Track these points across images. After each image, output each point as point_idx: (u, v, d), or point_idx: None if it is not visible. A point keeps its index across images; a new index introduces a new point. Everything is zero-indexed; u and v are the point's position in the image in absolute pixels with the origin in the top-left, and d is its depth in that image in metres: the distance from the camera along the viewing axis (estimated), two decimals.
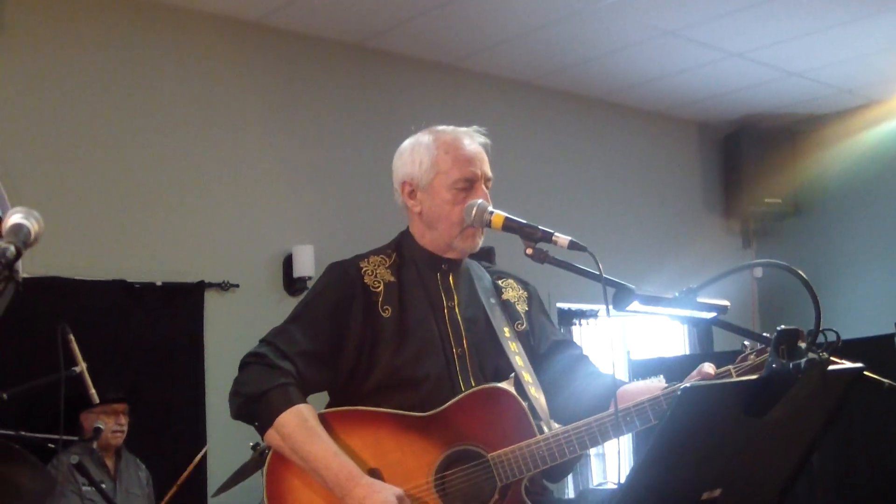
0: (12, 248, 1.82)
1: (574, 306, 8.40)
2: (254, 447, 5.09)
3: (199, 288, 6.59)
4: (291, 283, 6.96)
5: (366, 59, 7.68)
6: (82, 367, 4.90)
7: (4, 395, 3.90)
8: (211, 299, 6.63)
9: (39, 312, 5.44)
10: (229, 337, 6.39)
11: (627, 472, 2.00)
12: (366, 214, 7.08)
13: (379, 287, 2.88)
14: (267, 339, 2.85)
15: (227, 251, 6.78)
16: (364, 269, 2.92)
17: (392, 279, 2.91)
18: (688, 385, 1.97)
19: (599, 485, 8.05)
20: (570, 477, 7.94)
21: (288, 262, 7.00)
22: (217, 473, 5.85)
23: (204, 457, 5.86)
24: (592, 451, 8.26)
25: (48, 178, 6.07)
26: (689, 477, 2.10)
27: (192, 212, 6.67)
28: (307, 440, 2.68)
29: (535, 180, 8.33)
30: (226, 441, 6.03)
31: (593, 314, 8.52)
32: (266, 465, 2.80)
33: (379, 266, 2.94)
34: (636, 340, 9.03)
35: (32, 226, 1.91)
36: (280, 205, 7.10)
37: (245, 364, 2.83)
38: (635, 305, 2.46)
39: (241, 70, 7.06)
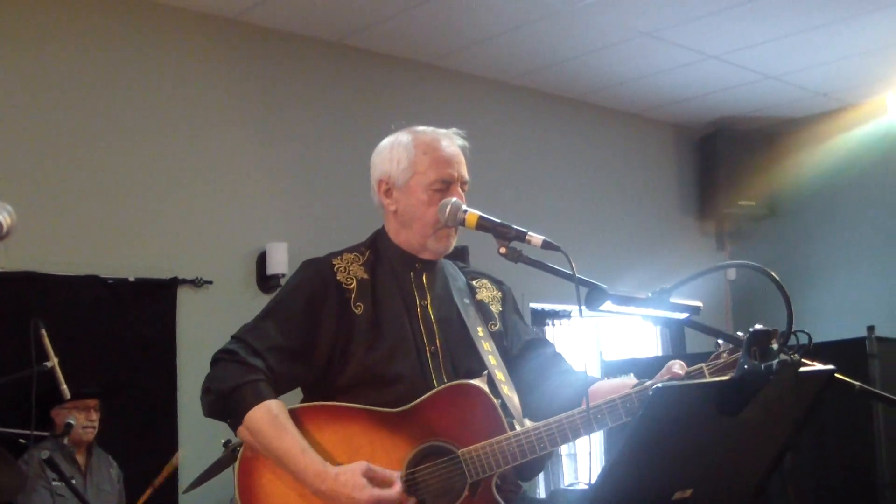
0: None
1: (547, 306, 8.41)
2: (225, 444, 5.07)
3: (173, 284, 6.56)
4: (265, 281, 6.94)
5: (344, 56, 7.67)
6: (54, 361, 4.88)
7: None
8: (184, 296, 6.61)
9: (12, 307, 5.42)
10: (202, 333, 6.37)
11: (599, 471, 2.00)
12: (341, 213, 7.07)
13: (352, 284, 2.88)
14: (238, 336, 2.85)
15: (200, 248, 6.75)
16: (337, 266, 2.92)
17: (365, 276, 2.92)
18: (660, 385, 1.97)
19: (571, 485, 8.06)
20: (541, 477, 7.97)
21: (262, 260, 6.98)
22: (189, 470, 5.83)
23: (177, 465, 5.84)
24: (564, 450, 8.29)
25: (22, 173, 6.04)
26: (662, 476, 2.11)
27: (166, 208, 6.64)
28: (276, 436, 2.69)
29: (509, 179, 8.34)
30: (198, 438, 6.01)
31: (566, 314, 8.54)
32: (238, 459, 2.80)
33: (352, 263, 2.94)
34: (609, 341, 9.05)
35: (4, 219, 1.90)
36: (254, 202, 7.08)
37: (216, 361, 2.84)
38: (608, 305, 2.46)
39: (217, 66, 7.03)
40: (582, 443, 8.24)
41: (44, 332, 4.94)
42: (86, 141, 6.36)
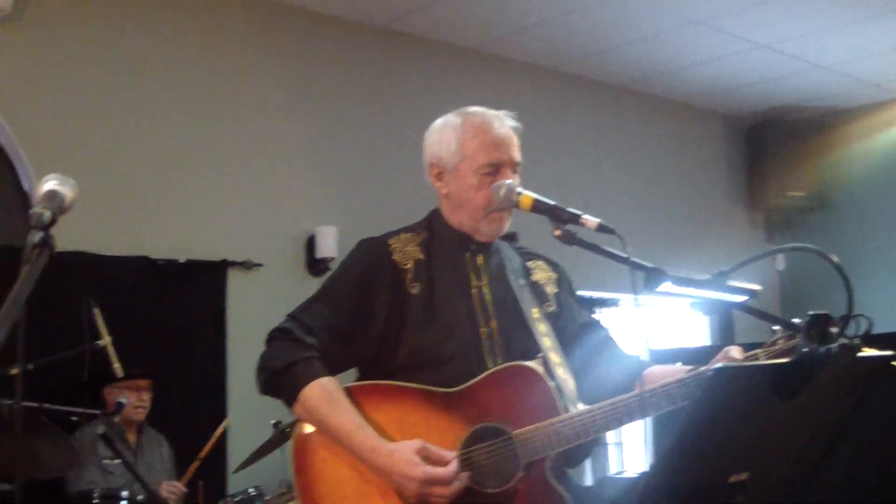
0: (48, 214, 1.84)
1: (594, 294, 8.37)
2: (275, 425, 5.12)
3: (223, 266, 6.61)
4: (314, 264, 6.97)
5: (391, 41, 7.68)
6: (107, 340, 4.93)
7: (30, 366, 3.92)
8: (234, 278, 6.65)
9: (65, 287, 5.47)
10: (251, 316, 6.41)
11: (653, 456, 1.99)
12: (389, 196, 7.08)
13: (408, 264, 2.88)
14: (293, 315, 2.87)
15: (250, 230, 6.79)
16: (393, 245, 2.92)
17: (421, 256, 2.91)
18: (721, 365, 1.96)
19: (617, 473, 8.04)
20: (588, 465, 7.96)
21: (311, 243, 7.01)
22: (237, 451, 5.89)
23: (225, 431, 5.89)
24: (610, 439, 8.28)
25: (74, 153, 6.09)
26: (718, 459, 2.10)
27: (217, 191, 6.68)
28: (330, 413, 2.71)
29: (557, 167, 8.29)
30: (247, 419, 6.06)
31: (614, 302, 8.50)
32: (293, 436, 2.82)
33: (408, 243, 2.94)
34: (656, 330, 9.00)
35: (67, 193, 1.92)
36: (304, 186, 7.12)
37: (271, 339, 2.85)
38: (666, 286, 2.45)
39: (265, 51, 7.06)
40: (628, 431, 8.23)
41: (97, 311, 4.99)
42: (137, 122, 6.40)
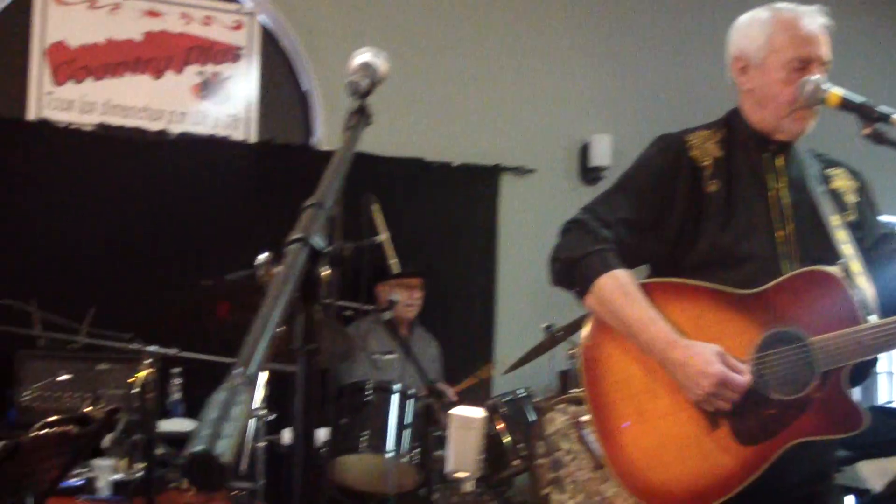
0: (366, 82, 1.89)
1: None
2: (547, 328, 5.10)
3: (495, 171, 6.63)
4: (587, 172, 6.91)
5: None
6: (384, 237, 5.00)
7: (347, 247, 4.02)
8: (506, 183, 6.67)
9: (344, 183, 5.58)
10: (523, 221, 6.43)
11: None
12: (666, 105, 6.92)
13: (706, 161, 2.80)
14: (588, 207, 2.84)
15: (524, 136, 6.78)
16: (691, 142, 2.84)
17: (720, 154, 2.83)
18: None
19: (887, 402, 7.77)
20: (857, 391, 7.68)
21: (585, 151, 6.94)
22: (505, 352, 5.93)
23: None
24: (881, 368, 7.97)
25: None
26: None
27: (491, 96, 6.69)
28: (625, 304, 2.67)
29: (861, 67, 7.82)
30: (516, 322, 6.10)
31: None
32: (585, 331, 2.79)
33: (707, 140, 2.85)
34: None
35: (380, 64, 1.97)
36: (580, 93, 7.03)
37: (565, 230, 2.83)
38: None
39: None
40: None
41: (376, 207, 5.06)
42: (417, 25, 6.45)
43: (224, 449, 1.06)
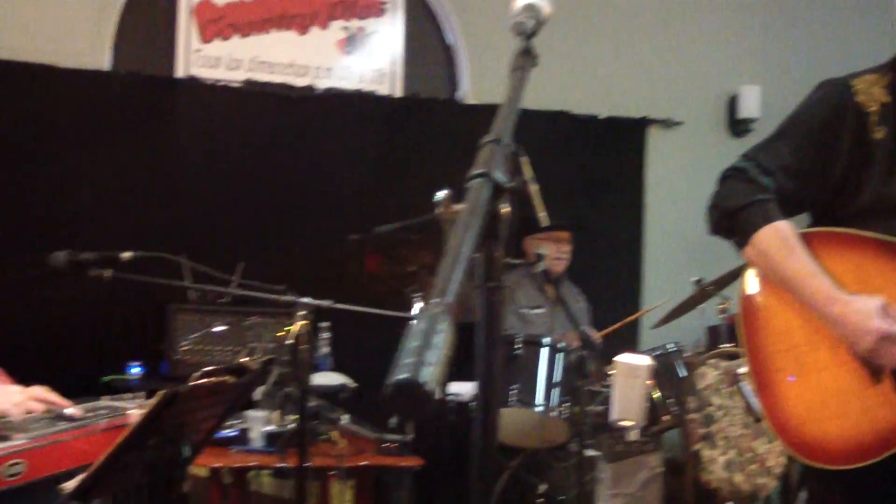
0: (531, 22, 1.87)
1: None
2: (697, 282, 5.01)
3: (642, 124, 6.55)
4: (735, 125, 6.78)
5: None
6: (534, 189, 4.95)
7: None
8: (653, 136, 6.59)
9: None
10: (670, 174, 6.35)
11: None
12: (816, 54, 6.72)
13: (872, 107, 2.67)
14: (749, 154, 2.73)
15: (672, 89, 6.68)
16: (857, 87, 2.70)
17: (887, 99, 2.68)
18: None
19: None
20: None
21: (733, 103, 6.80)
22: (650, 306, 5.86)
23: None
24: None
25: (501, 9, 6.13)
26: None
27: (638, 47, 6.61)
28: (785, 257, 2.58)
29: None
30: (663, 276, 6.03)
31: None
32: (745, 281, 2.72)
33: (873, 85, 2.71)
34: None
35: (543, 5, 1.94)
36: (727, 44, 6.89)
37: (725, 178, 2.73)
38: None
39: None
40: None
41: (524, 159, 5.01)
42: None
43: (428, 377, 1.04)
